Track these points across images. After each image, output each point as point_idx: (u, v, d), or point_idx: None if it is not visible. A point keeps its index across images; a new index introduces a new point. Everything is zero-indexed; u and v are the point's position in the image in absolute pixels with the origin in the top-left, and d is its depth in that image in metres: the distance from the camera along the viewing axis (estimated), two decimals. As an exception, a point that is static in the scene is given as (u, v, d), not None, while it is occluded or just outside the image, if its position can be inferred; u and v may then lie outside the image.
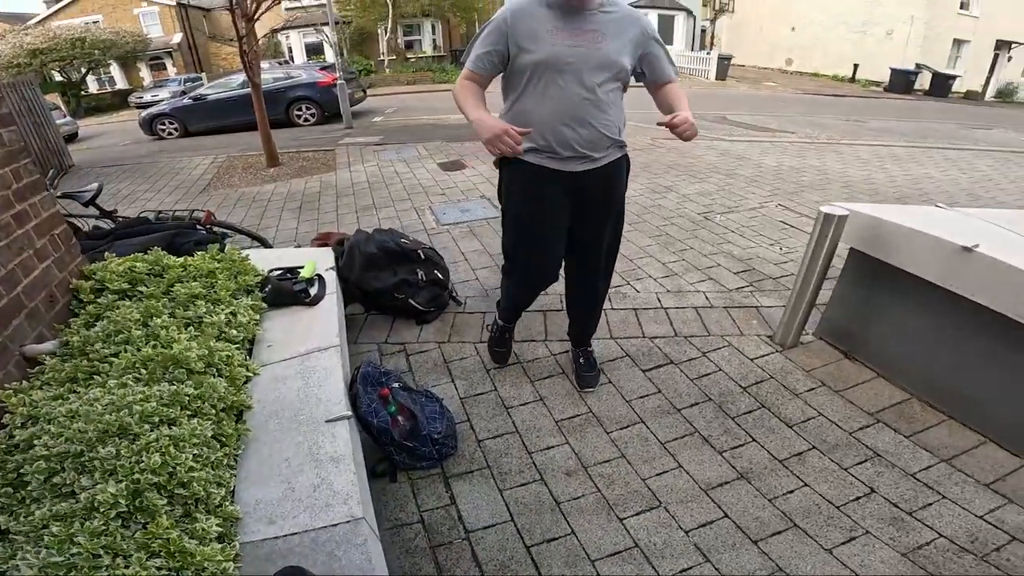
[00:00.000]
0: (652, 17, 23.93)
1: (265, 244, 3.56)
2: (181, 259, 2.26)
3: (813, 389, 2.36)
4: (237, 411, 1.59)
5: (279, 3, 6.78)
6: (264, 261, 2.48)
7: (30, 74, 14.00)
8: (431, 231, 4.12)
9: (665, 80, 1.91)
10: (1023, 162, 7.19)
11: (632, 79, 1.91)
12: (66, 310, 1.96)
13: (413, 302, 2.84)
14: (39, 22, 24.82)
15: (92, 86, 25.11)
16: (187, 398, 1.47)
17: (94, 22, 24.67)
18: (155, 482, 1.18)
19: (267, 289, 2.22)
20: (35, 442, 1.29)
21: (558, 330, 2.78)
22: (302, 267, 2.41)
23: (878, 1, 21.94)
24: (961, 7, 21.73)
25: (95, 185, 3.09)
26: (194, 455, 1.29)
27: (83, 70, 22.02)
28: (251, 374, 1.78)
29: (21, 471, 1.25)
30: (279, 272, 2.39)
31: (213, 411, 1.50)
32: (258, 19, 6.12)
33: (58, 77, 21.68)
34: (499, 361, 2.55)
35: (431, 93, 16.58)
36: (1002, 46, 22.56)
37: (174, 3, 25.44)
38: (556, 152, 1.86)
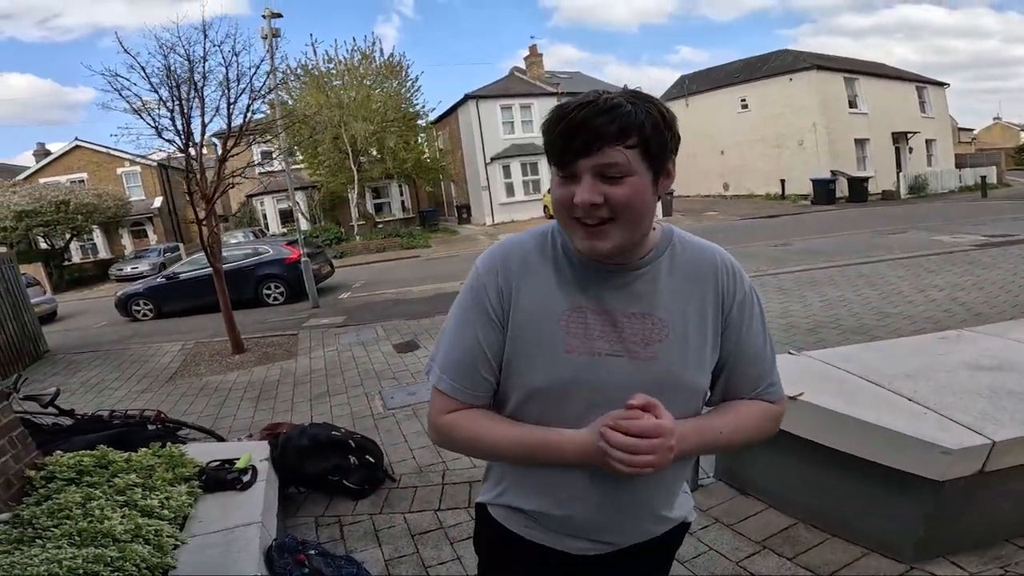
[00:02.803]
0: None
1: (216, 436, 3.79)
2: (125, 455, 2.64)
3: (707, 527, 2.56)
4: (162, 570, 1.89)
5: (233, 186, 7.13)
6: (206, 454, 2.87)
7: (5, 250, 13.99)
8: (377, 416, 4.41)
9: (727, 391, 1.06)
10: (933, 266, 7.92)
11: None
12: (20, 492, 2.31)
13: (346, 482, 3.11)
14: (27, 177, 25.45)
15: (76, 254, 24.95)
16: (110, 558, 1.79)
17: (79, 180, 25.36)
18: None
19: (204, 478, 2.58)
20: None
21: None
22: (238, 459, 2.73)
23: (780, 115, 24.31)
24: (850, 106, 24.08)
25: (53, 389, 3.45)
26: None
27: (67, 236, 21.89)
28: (179, 543, 2.10)
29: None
30: (217, 463, 2.71)
31: (135, 569, 1.80)
32: (216, 200, 6.57)
33: (43, 244, 21.64)
34: None
35: (399, 261, 17.36)
36: (899, 138, 24.96)
37: (155, 164, 25.37)
38: (553, 511, 1.06)
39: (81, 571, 1.72)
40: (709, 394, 1.06)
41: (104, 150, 26.78)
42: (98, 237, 25.99)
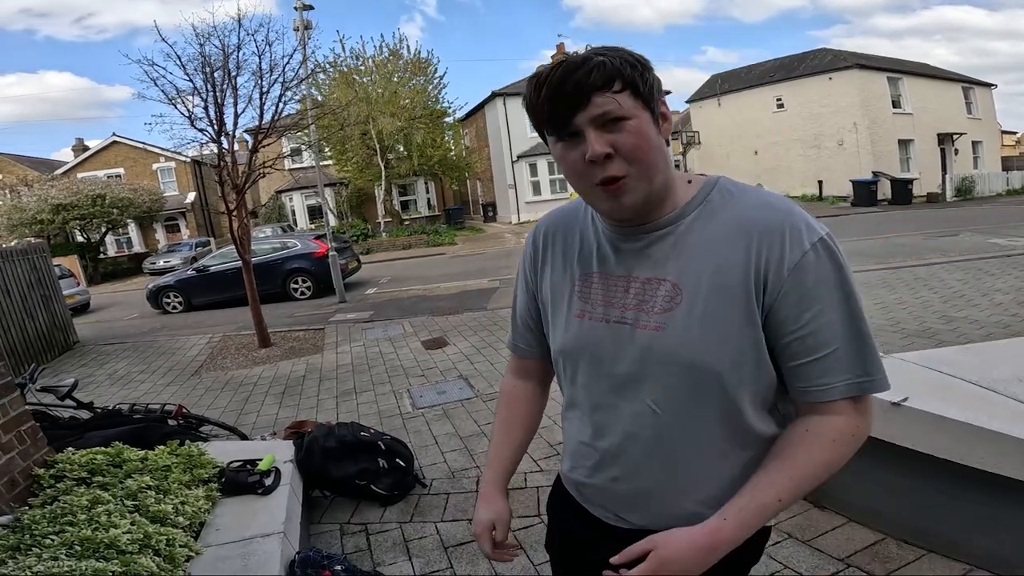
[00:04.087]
0: None
1: (238, 433, 3.63)
2: (142, 453, 2.47)
3: (779, 542, 2.28)
4: None
5: (264, 175, 7.11)
6: (227, 453, 2.70)
7: (41, 240, 14.08)
8: (406, 415, 4.19)
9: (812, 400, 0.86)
10: (994, 270, 7.40)
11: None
12: (27, 492, 2.13)
13: (375, 487, 2.89)
14: (65, 172, 25.75)
15: (111, 248, 25.50)
16: (111, 573, 1.62)
17: (116, 175, 25.88)
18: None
19: (223, 480, 2.40)
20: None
21: (519, 506, 2.75)
22: (261, 459, 2.54)
23: (820, 115, 23.49)
24: (894, 106, 23.13)
25: (71, 380, 3.30)
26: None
27: (103, 230, 22.33)
28: (193, 553, 1.92)
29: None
30: (238, 464, 2.52)
31: None
32: (247, 191, 6.52)
33: (79, 237, 22.10)
34: None
35: (425, 258, 17.23)
36: (945, 139, 23.96)
37: (188, 159, 25.52)
38: (586, 477, 1.02)
39: None
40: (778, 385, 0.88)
41: (141, 145, 27.43)
42: (133, 231, 26.60)
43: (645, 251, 0.89)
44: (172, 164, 27.51)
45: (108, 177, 25.13)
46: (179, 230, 27.37)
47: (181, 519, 2.05)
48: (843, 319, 0.82)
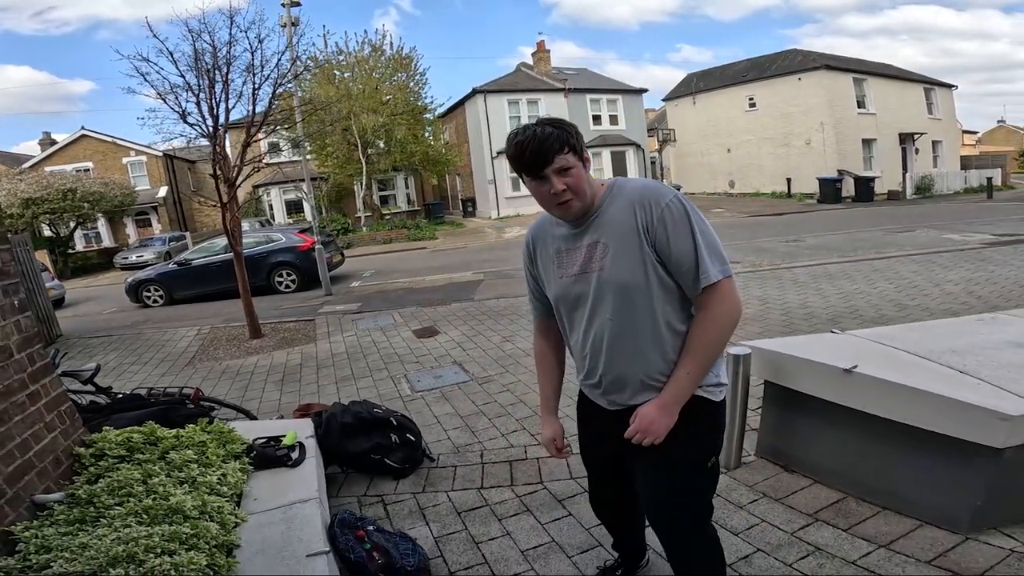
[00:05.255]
0: (604, 157, 25.78)
1: (250, 416, 3.80)
2: (174, 431, 2.62)
3: (755, 500, 2.58)
4: (227, 549, 1.84)
5: (258, 170, 7.18)
6: (250, 431, 2.85)
7: (24, 232, 13.79)
8: (406, 398, 4.42)
9: (688, 285, 1.45)
10: (946, 263, 7.96)
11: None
12: (70, 470, 2.26)
13: (388, 461, 3.11)
14: (33, 166, 25.31)
15: (79, 242, 24.99)
16: (184, 535, 1.74)
17: (85, 169, 25.35)
18: (158, 595, 1.38)
19: (253, 455, 2.57)
20: (51, 564, 1.50)
21: (522, 476, 3.02)
22: (284, 436, 2.74)
23: (789, 115, 24.38)
24: (859, 106, 24.14)
25: (93, 365, 3.43)
26: (190, 576, 1.49)
27: (71, 224, 21.86)
28: (240, 520, 2.06)
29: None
30: (263, 440, 2.71)
31: (207, 547, 1.76)
32: (240, 185, 6.63)
33: (47, 231, 21.59)
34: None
35: (406, 252, 17.38)
36: (906, 139, 25.04)
37: (160, 153, 25.60)
38: (588, 380, 1.64)
39: (159, 549, 1.65)
40: (678, 288, 1.47)
41: (110, 139, 26.80)
42: (102, 226, 25.99)
43: (585, 231, 1.52)
44: (143, 158, 26.98)
45: (76, 171, 24.58)
46: (150, 225, 26.86)
47: (225, 489, 2.20)
48: (688, 241, 1.40)
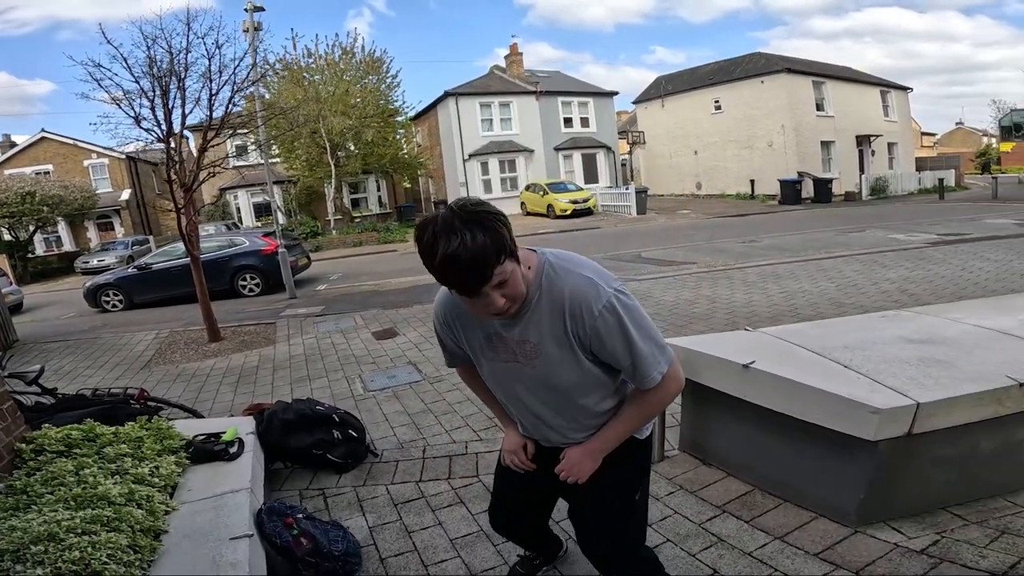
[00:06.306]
0: (575, 159, 26.14)
1: (197, 415, 3.87)
2: (112, 428, 2.72)
3: (672, 493, 2.75)
4: (155, 533, 1.97)
5: (214, 175, 7.12)
6: (191, 429, 2.96)
7: None
8: (358, 397, 4.52)
9: (629, 378, 1.50)
10: (887, 262, 8.34)
11: None
12: (10, 465, 2.37)
13: (331, 456, 3.22)
14: None
15: (39, 246, 24.57)
16: (106, 518, 1.87)
17: (45, 172, 24.96)
18: (74, 570, 1.51)
19: (191, 450, 2.67)
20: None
21: (460, 469, 3.16)
22: (224, 432, 2.83)
23: (752, 117, 25.04)
24: (818, 108, 24.89)
25: (38, 367, 3.48)
26: (108, 554, 1.63)
27: (31, 228, 21.58)
28: (170, 509, 2.18)
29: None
30: (203, 436, 2.81)
31: (129, 529, 1.88)
32: (196, 189, 6.61)
33: (6, 236, 21.28)
34: None
35: (376, 255, 17.37)
36: (863, 141, 25.96)
37: (123, 156, 25.18)
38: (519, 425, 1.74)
39: (79, 530, 1.77)
40: (615, 381, 1.53)
41: (71, 142, 26.25)
42: (63, 230, 25.51)
43: (515, 325, 1.42)
44: (105, 160, 26.53)
45: (36, 174, 24.12)
46: (113, 228, 26.40)
47: (156, 480, 2.32)
48: (625, 349, 1.38)
